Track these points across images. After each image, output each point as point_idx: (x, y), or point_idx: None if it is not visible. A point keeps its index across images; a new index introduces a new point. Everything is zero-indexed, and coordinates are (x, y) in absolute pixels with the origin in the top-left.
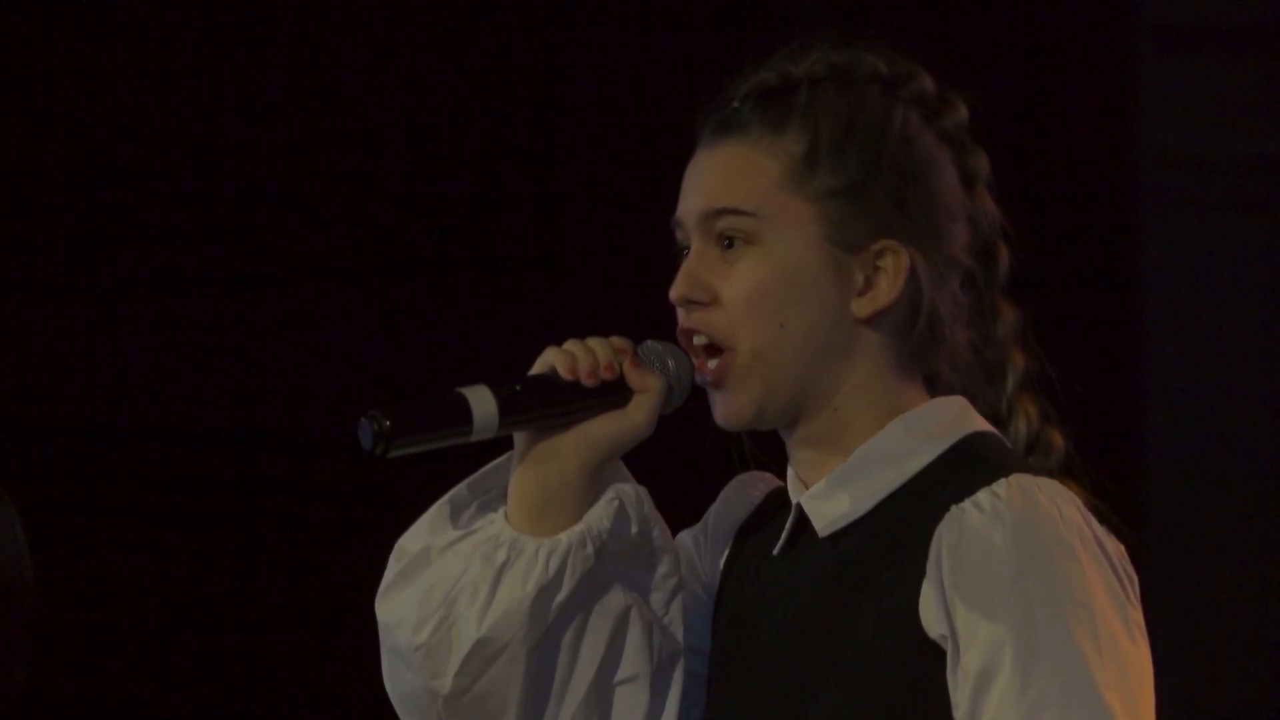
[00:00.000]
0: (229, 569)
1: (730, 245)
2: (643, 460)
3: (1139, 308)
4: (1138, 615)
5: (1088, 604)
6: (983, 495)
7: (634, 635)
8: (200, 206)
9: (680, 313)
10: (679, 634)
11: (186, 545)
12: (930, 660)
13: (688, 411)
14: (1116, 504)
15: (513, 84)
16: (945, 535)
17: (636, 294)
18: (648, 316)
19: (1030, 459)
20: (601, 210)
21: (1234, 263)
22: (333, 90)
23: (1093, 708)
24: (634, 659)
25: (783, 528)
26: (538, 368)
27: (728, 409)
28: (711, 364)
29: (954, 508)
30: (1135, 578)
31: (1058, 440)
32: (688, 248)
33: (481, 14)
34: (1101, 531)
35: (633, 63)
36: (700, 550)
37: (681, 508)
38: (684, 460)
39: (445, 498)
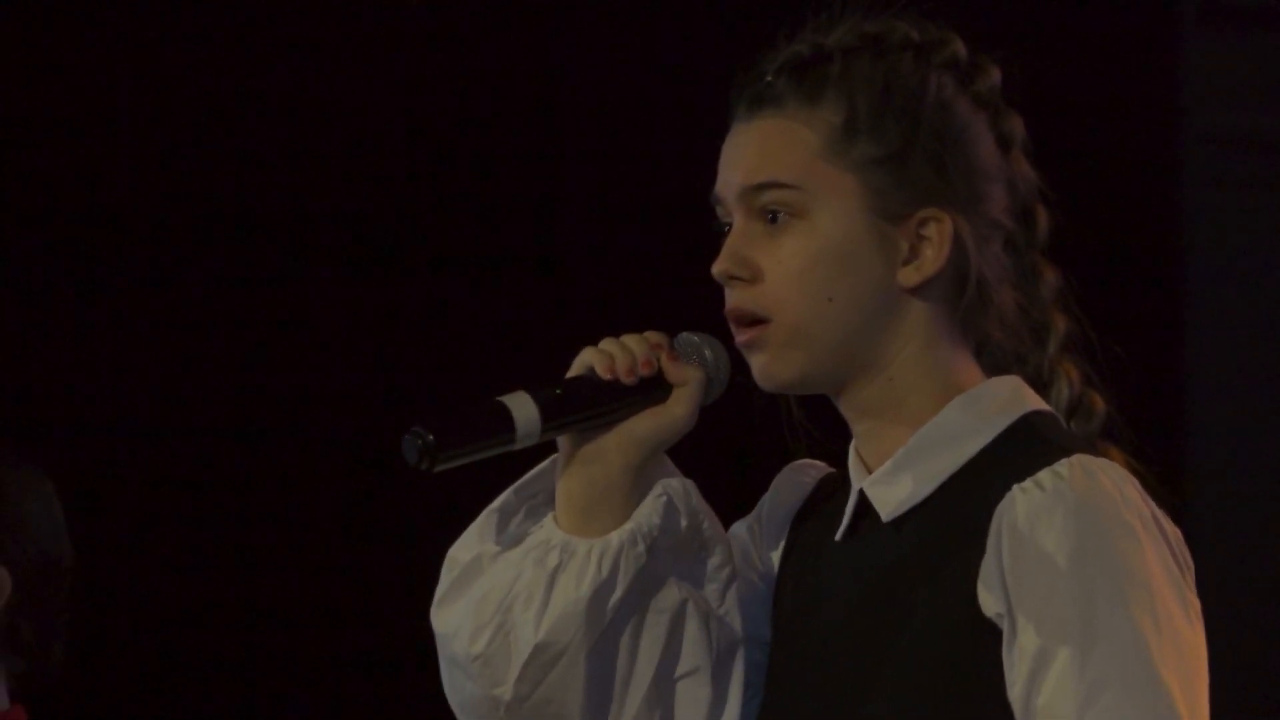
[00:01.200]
0: (228, 568)
1: (774, 220)
2: (688, 453)
3: (1183, 284)
4: (1194, 599)
5: (1147, 585)
6: (1044, 475)
7: (691, 629)
8: (200, 207)
9: (727, 293)
10: (737, 624)
11: (186, 544)
12: (987, 639)
13: (735, 402)
14: (1159, 476)
15: (513, 84)
16: (1006, 515)
17: (637, 293)
18: (648, 316)
19: (1072, 422)
20: (602, 210)
21: (1276, 239)
22: (333, 90)
23: (1152, 688)
24: (693, 652)
25: (842, 513)
26: (575, 369)
27: (767, 370)
28: (753, 331)
29: (1015, 488)
30: (1191, 563)
31: (1099, 403)
32: (728, 224)
33: (481, 14)
34: (1161, 514)
35: (633, 62)
36: (755, 540)
37: (731, 498)
38: (731, 451)
39: (493, 505)
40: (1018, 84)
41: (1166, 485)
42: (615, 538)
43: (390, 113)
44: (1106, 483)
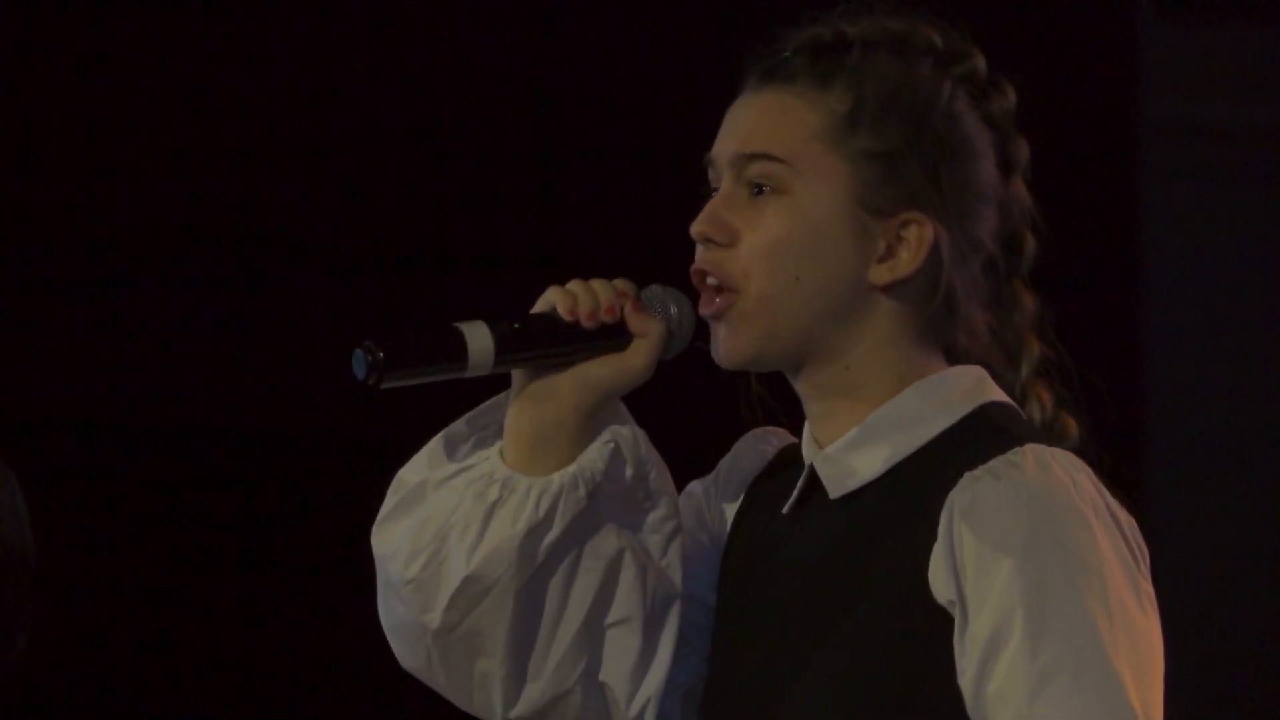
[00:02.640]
0: (227, 567)
1: (759, 192)
2: (652, 407)
3: (1140, 277)
4: (1148, 587)
5: (1100, 573)
6: (997, 463)
7: (627, 578)
8: (200, 206)
9: (698, 250)
10: (676, 578)
11: (185, 543)
12: (938, 626)
13: (700, 359)
14: (1119, 475)
15: (513, 84)
16: (958, 501)
17: (648, 272)
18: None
19: None
20: (602, 210)
21: (1236, 234)
22: (333, 90)
23: (1103, 676)
24: (626, 601)
25: (794, 485)
26: (539, 306)
27: (726, 346)
28: (718, 300)
29: (967, 474)
30: (1146, 551)
31: (1072, 427)
32: (716, 189)
33: (481, 14)
34: (1115, 504)
35: (633, 62)
36: (710, 502)
37: (693, 455)
38: (695, 408)
39: (444, 432)
40: (1028, 99)
41: (1123, 478)
42: (556, 478)
43: (390, 113)
44: (1059, 472)
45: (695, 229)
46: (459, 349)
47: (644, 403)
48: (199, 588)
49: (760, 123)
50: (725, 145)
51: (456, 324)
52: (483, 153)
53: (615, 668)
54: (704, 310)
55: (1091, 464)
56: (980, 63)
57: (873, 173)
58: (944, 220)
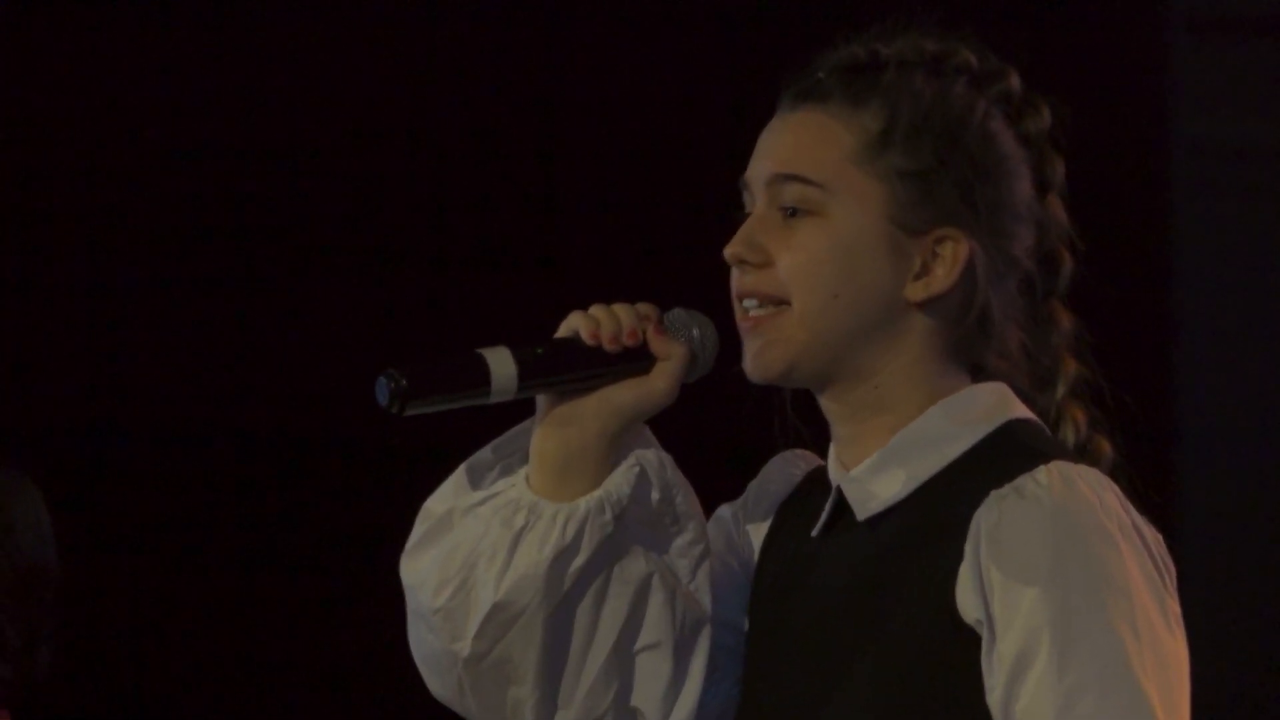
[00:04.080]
0: (221, 574)
1: (793, 214)
2: (678, 430)
3: (1171, 296)
4: (1175, 606)
5: (1126, 592)
6: (1023, 480)
7: (656, 602)
8: (199, 206)
9: (734, 274)
10: (705, 602)
11: (177, 550)
12: (965, 645)
13: (725, 383)
14: (1150, 494)
15: (512, 84)
16: (984, 520)
17: (637, 296)
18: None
19: None
20: (602, 210)
21: (1267, 251)
22: (333, 90)
23: (1130, 695)
24: (656, 626)
25: (822, 508)
26: (562, 331)
27: (760, 359)
28: (756, 313)
29: (993, 493)
30: (1173, 568)
31: (1106, 448)
32: (750, 212)
33: (481, 13)
34: (1141, 520)
35: (633, 62)
36: (739, 525)
37: (720, 478)
38: (721, 432)
39: (469, 460)
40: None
41: (1152, 491)
42: (583, 504)
43: (390, 112)
44: (1085, 490)
45: (729, 252)
46: (482, 375)
47: (670, 426)
48: (204, 591)
49: (795, 143)
50: (761, 166)
51: (479, 350)
52: (498, 156)
53: (647, 693)
54: (742, 323)
55: (1122, 484)
56: (1015, 82)
57: (907, 191)
58: (979, 237)
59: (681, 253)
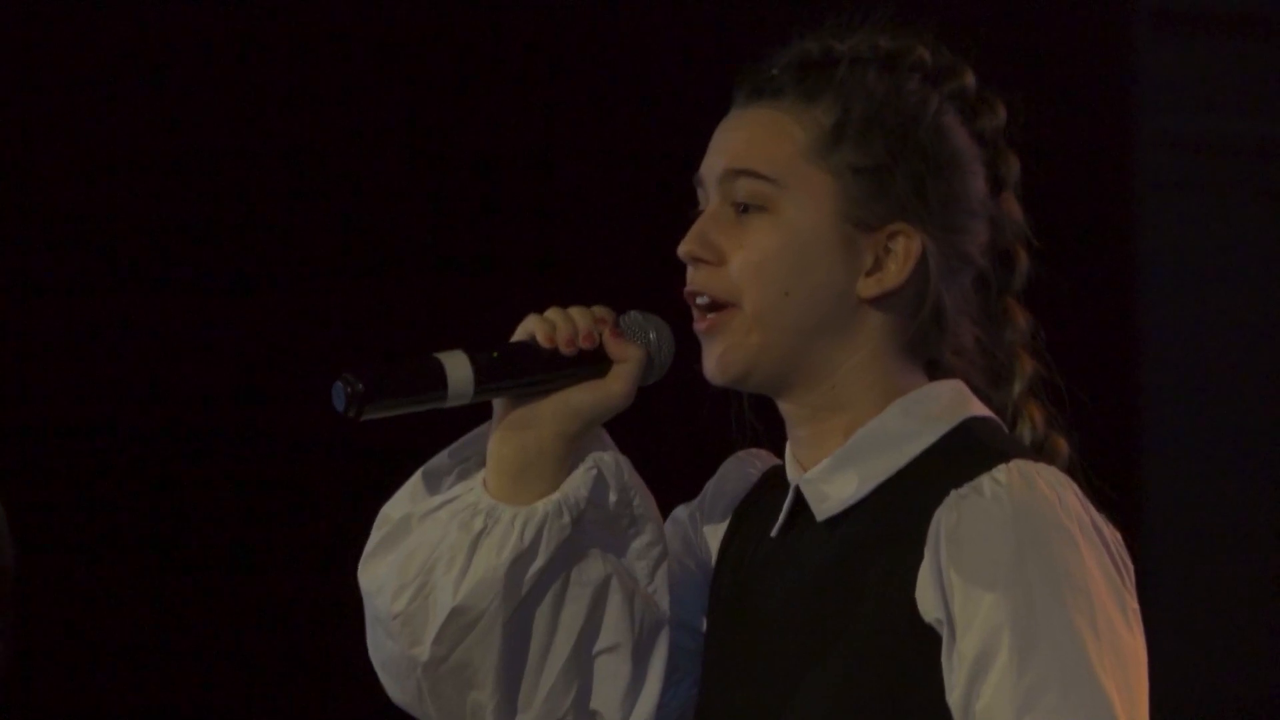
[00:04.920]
0: (224, 568)
1: (746, 211)
2: (636, 432)
3: (1136, 292)
4: (1134, 603)
5: (1086, 590)
6: (983, 480)
7: (614, 604)
8: (199, 207)
9: (689, 272)
10: (664, 604)
11: (182, 545)
12: (926, 645)
13: (681, 385)
14: (1112, 493)
15: (512, 84)
16: (944, 519)
17: (637, 294)
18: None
19: None
20: (602, 210)
21: (1230, 246)
22: (333, 90)
23: (1090, 692)
24: (615, 628)
25: (780, 508)
26: (518, 335)
27: (718, 361)
28: (710, 316)
29: (953, 492)
30: (1131, 566)
31: (1063, 446)
32: (704, 209)
33: (481, 13)
34: (1100, 519)
35: (633, 62)
36: (696, 526)
37: (677, 480)
38: (678, 433)
39: (426, 465)
40: (1019, 115)
41: (1116, 490)
42: (540, 507)
43: (390, 113)
44: (1044, 488)
45: (682, 249)
46: (439, 379)
47: (628, 427)
48: (188, 592)
49: (747, 140)
50: (713, 162)
51: (436, 354)
52: (483, 154)
53: (606, 695)
54: (698, 326)
55: (1080, 482)
56: (970, 79)
57: (858, 187)
58: (931, 233)
59: (655, 250)
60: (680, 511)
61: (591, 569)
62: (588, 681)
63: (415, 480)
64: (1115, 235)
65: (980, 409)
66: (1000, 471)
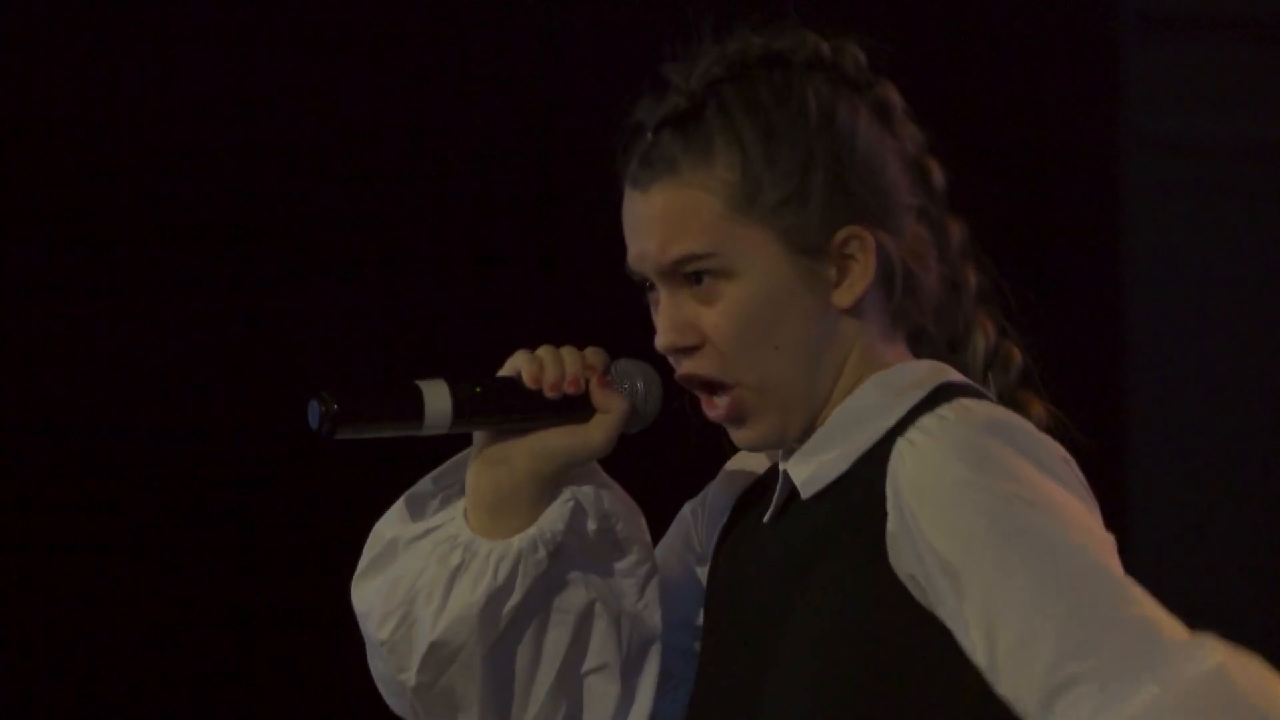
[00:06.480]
0: (221, 569)
1: (699, 281)
2: (635, 448)
3: (1121, 293)
4: (1087, 497)
5: (1049, 503)
6: (927, 420)
7: (600, 628)
8: (199, 207)
9: (672, 360)
10: (654, 619)
11: (180, 545)
12: (904, 603)
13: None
14: (1100, 489)
15: (512, 84)
16: (897, 470)
17: (637, 295)
18: (649, 316)
19: (989, 373)
20: (602, 210)
21: (1216, 247)
22: (333, 90)
23: (1094, 588)
24: (601, 650)
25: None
26: (505, 369)
27: (749, 440)
28: (720, 401)
29: (900, 440)
30: (1093, 498)
31: (1015, 354)
32: (650, 283)
33: (481, 13)
34: (1060, 451)
35: (633, 62)
36: (698, 521)
37: (685, 482)
38: (678, 448)
39: (411, 490)
40: (963, 89)
41: (1106, 487)
42: (515, 543)
43: (390, 112)
44: (996, 414)
45: (661, 344)
46: (415, 408)
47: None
48: (191, 589)
49: (666, 226)
50: (643, 255)
51: (417, 381)
52: (483, 154)
53: (595, 714)
54: (711, 415)
55: (1042, 394)
56: (810, 39)
57: (790, 218)
58: (872, 218)
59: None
60: (685, 508)
61: (574, 596)
62: (576, 701)
63: (400, 506)
64: (1101, 237)
65: (956, 377)
66: (944, 408)
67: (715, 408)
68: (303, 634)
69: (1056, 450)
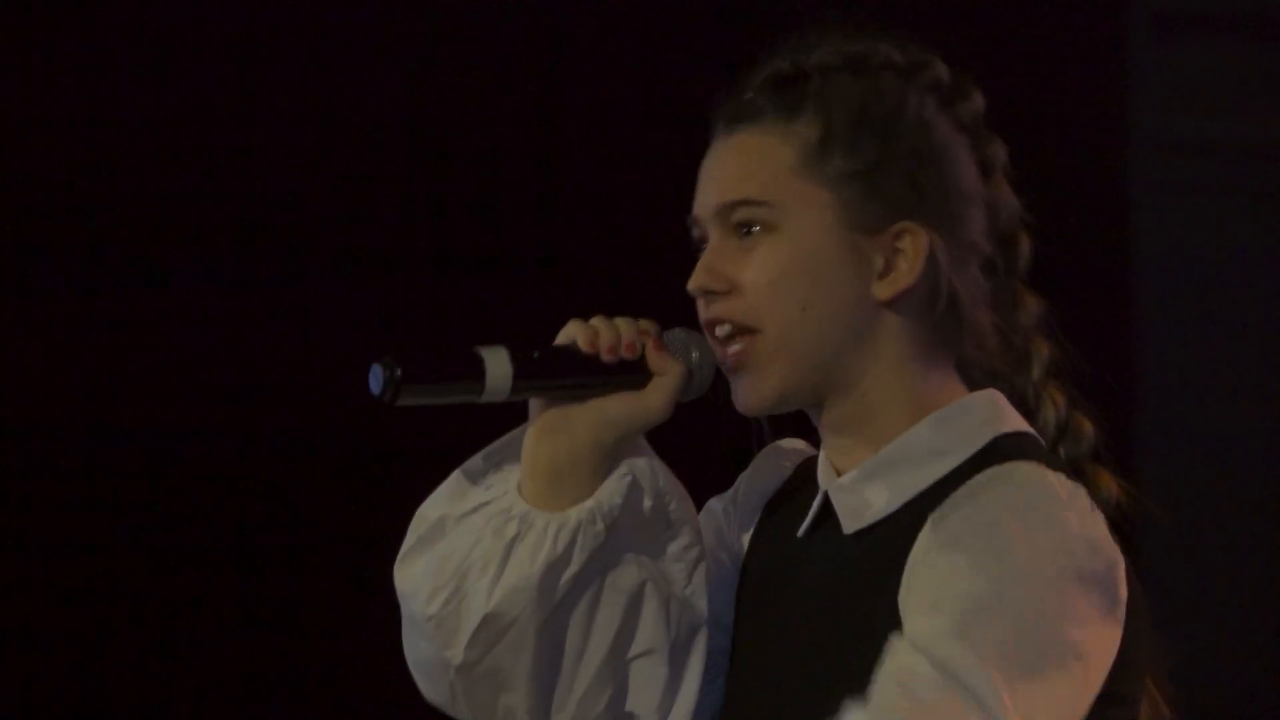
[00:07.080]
0: (221, 569)
1: (748, 233)
2: (672, 439)
3: (1131, 293)
4: (1096, 609)
5: (1057, 588)
6: (982, 477)
7: (650, 610)
8: (199, 207)
9: (700, 304)
10: (701, 606)
11: (179, 545)
12: None
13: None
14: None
15: (512, 84)
16: (933, 519)
17: (637, 295)
18: (649, 317)
19: (1060, 447)
20: (602, 210)
21: (1225, 247)
22: (333, 90)
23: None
24: (650, 633)
25: (809, 506)
26: (560, 339)
27: (751, 393)
28: (735, 348)
29: (951, 495)
30: (1120, 596)
31: (1087, 427)
32: (706, 243)
33: (481, 13)
34: (1099, 537)
35: (633, 62)
36: (728, 519)
37: (716, 478)
38: (708, 442)
39: (463, 466)
40: (994, 102)
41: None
42: (574, 514)
43: (390, 112)
44: (1047, 490)
45: (693, 285)
46: (477, 372)
47: (665, 426)
48: (190, 589)
49: (736, 167)
50: (706, 199)
51: (478, 348)
52: (483, 154)
53: (642, 698)
54: (720, 360)
55: (1111, 469)
56: (942, 70)
57: (855, 192)
58: (934, 226)
59: (684, 260)
60: (714, 503)
61: (626, 574)
62: (623, 685)
63: (452, 481)
64: (1110, 237)
65: (1016, 423)
66: (998, 469)
67: (728, 355)
68: (303, 634)
69: (1103, 554)
